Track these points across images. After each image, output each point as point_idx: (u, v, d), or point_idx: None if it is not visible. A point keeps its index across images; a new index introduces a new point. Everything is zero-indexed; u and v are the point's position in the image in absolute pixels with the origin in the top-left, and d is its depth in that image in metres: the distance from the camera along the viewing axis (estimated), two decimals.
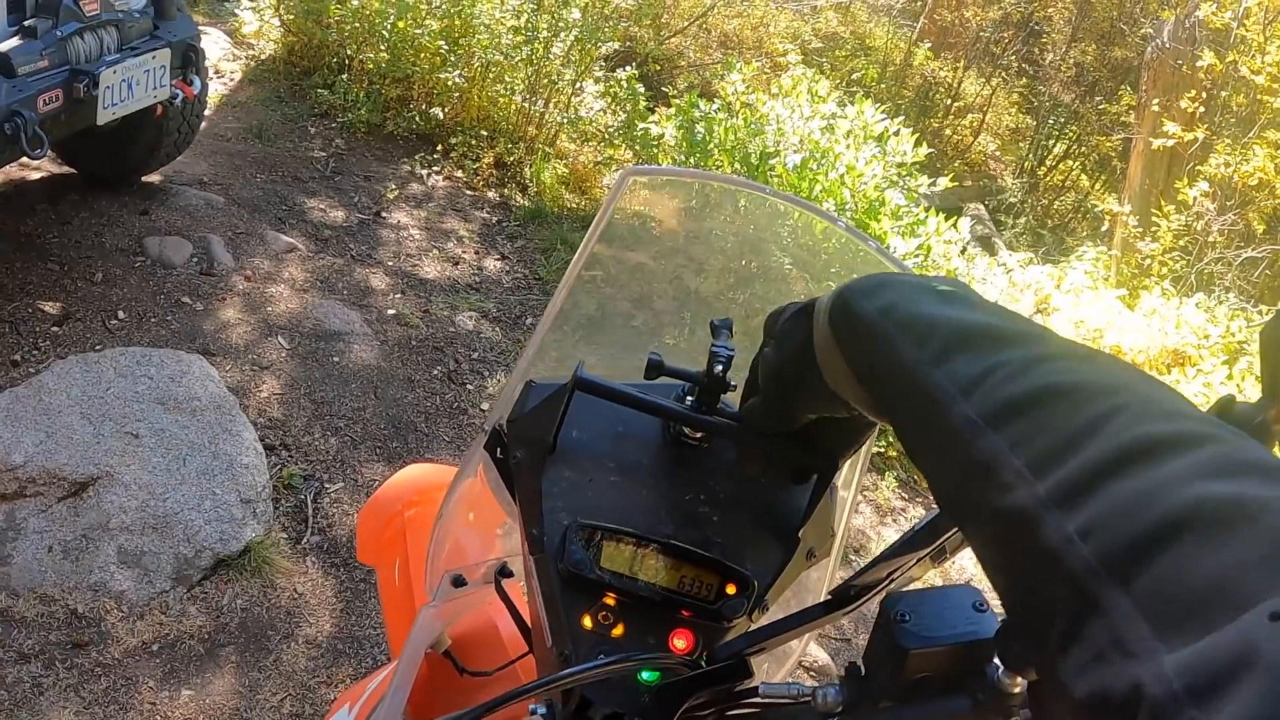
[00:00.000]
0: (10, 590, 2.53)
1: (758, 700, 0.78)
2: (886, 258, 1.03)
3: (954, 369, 0.55)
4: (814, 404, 0.75)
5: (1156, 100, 8.89)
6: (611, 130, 6.33)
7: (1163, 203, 8.22)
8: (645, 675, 0.77)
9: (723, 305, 1.13)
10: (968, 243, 5.91)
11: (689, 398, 0.86)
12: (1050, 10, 13.25)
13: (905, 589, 0.73)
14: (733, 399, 0.87)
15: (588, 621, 0.79)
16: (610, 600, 0.80)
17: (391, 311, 4.26)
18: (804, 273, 1.10)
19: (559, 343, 1.04)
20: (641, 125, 6.01)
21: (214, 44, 6.47)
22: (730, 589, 0.81)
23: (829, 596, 0.79)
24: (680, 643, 0.79)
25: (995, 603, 0.58)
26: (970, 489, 0.50)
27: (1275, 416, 0.64)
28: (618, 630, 0.79)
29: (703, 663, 0.78)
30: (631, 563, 0.80)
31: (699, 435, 0.87)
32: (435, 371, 3.97)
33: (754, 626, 0.83)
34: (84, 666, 2.48)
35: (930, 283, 0.65)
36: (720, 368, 0.82)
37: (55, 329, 3.49)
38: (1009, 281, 6.47)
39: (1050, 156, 13.14)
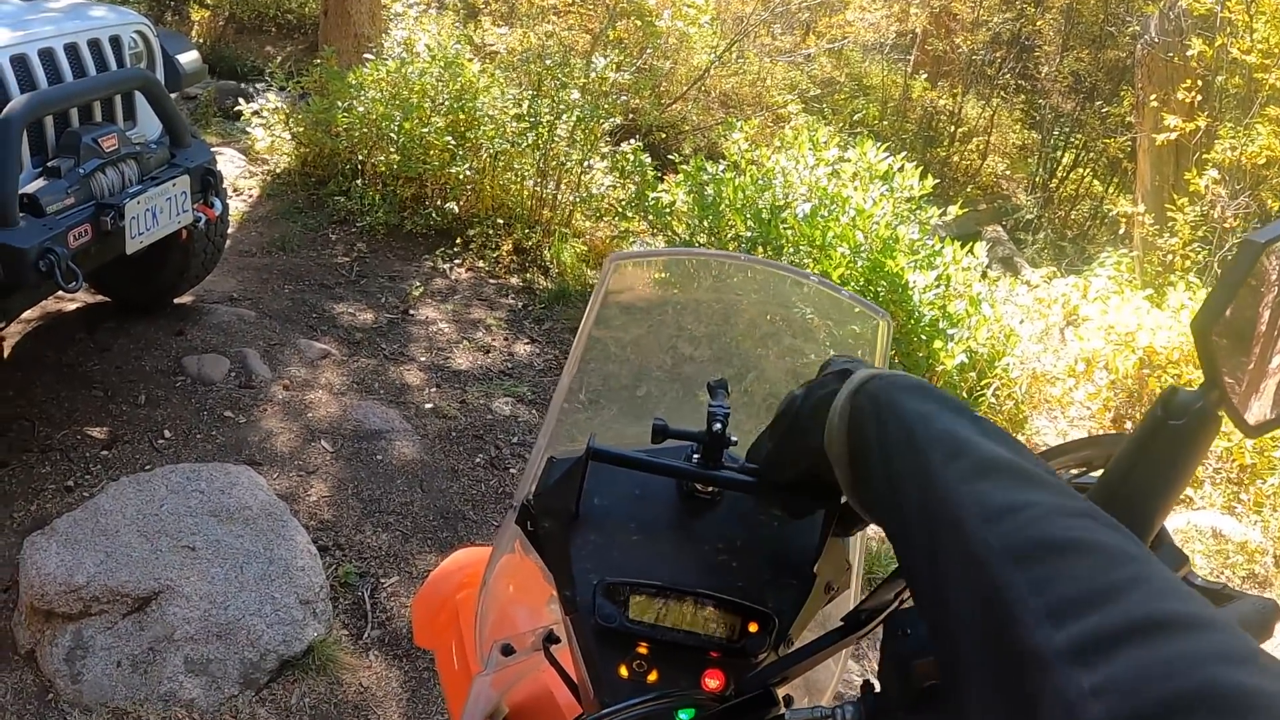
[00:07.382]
0: (84, 707, 2.60)
1: None
2: (861, 303, 1.10)
3: (981, 493, 0.56)
4: (809, 461, 0.79)
5: (1154, 96, 8.92)
6: (623, 204, 6.44)
7: (1175, 196, 8.21)
8: (682, 716, 0.83)
9: (717, 367, 1.20)
10: (987, 266, 5.92)
11: (696, 456, 0.93)
12: (1038, 24, 13.38)
13: (910, 606, 0.79)
14: (738, 452, 0.94)
15: (624, 671, 0.85)
16: (643, 649, 0.86)
17: (429, 405, 4.35)
18: (787, 326, 1.17)
19: (574, 419, 1.11)
20: (652, 195, 6.09)
21: (229, 163, 6.71)
22: (753, 627, 0.86)
23: (841, 623, 0.85)
24: (713, 682, 0.85)
25: None
26: (979, 615, 0.51)
27: (1215, 401, 0.69)
28: (652, 676, 0.85)
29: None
30: (658, 612, 0.86)
31: (710, 489, 0.93)
32: (478, 460, 4.05)
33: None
34: None
35: (968, 407, 0.67)
36: (719, 425, 0.89)
37: (105, 453, 3.61)
38: (1034, 299, 6.47)
39: (1060, 168, 13.17)
